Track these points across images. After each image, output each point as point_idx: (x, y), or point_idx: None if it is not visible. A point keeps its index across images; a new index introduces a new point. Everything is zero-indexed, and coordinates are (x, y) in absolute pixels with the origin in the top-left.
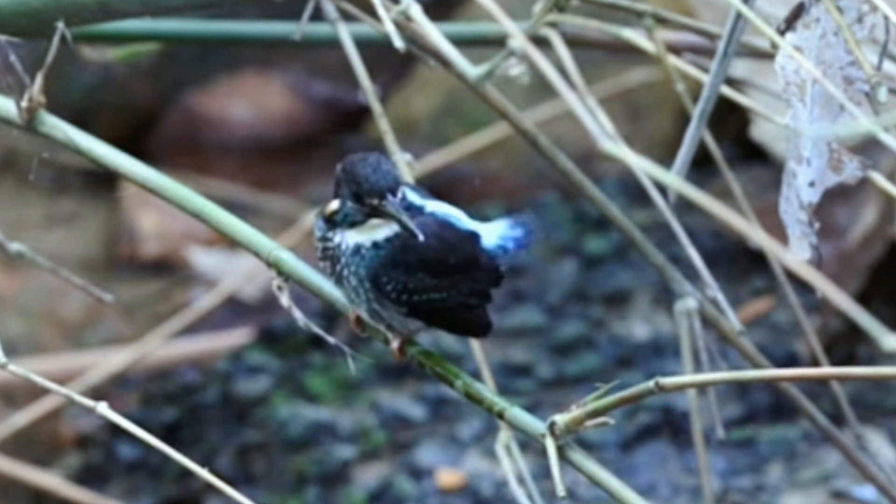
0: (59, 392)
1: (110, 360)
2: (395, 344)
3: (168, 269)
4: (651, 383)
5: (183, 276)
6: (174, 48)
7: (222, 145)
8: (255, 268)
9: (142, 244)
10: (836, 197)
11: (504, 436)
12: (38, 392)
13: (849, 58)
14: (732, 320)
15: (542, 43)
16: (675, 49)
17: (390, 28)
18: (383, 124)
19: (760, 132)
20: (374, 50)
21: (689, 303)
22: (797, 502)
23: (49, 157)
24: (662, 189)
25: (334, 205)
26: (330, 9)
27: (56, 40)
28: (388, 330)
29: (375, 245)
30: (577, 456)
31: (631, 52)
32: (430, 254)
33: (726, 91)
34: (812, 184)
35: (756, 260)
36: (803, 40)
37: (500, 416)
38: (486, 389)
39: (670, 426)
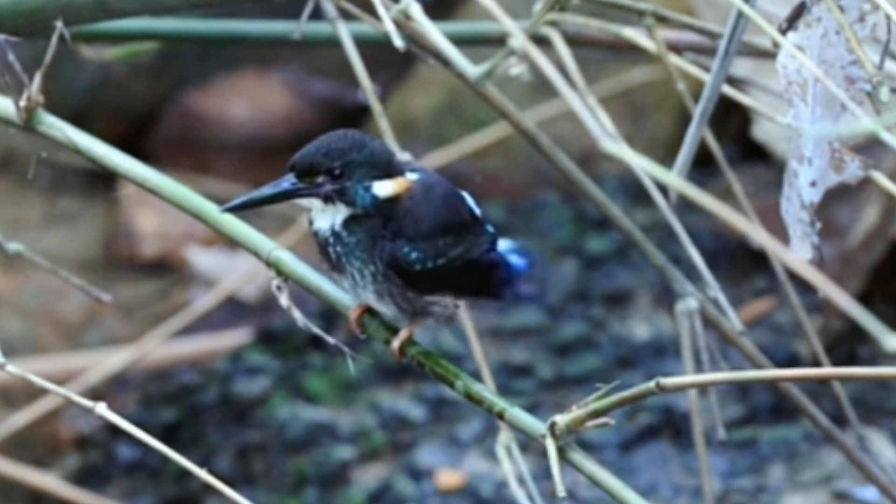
0: (57, 392)
1: (109, 361)
2: (395, 344)
3: (167, 269)
4: (652, 384)
5: (182, 276)
6: (173, 47)
7: (221, 145)
8: (255, 268)
9: (141, 244)
10: (838, 197)
11: (504, 436)
12: (36, 392)
13: (850, 57)
14: (733, 320)
15: (542, 42)
16: (677, 48)
17: (390, 27)
18: (383, 123)
19: (762, 132)
20: (374, 49)
21: (690, 303)
22: (798, 503)
23: (48, 157)
24: (663, 189)
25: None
26: (329, 8)
27: (55, 39)
28: (398, 310)
29: (349, 231)
30: (578, 456)
31: (632, 52)
32: (433, 215)
33: (727, 90)
34: (813, 183)
35: (757, 260)
36: (805, 39)
37: (501, 416)
38: (486, 390)
39: (671, 427)
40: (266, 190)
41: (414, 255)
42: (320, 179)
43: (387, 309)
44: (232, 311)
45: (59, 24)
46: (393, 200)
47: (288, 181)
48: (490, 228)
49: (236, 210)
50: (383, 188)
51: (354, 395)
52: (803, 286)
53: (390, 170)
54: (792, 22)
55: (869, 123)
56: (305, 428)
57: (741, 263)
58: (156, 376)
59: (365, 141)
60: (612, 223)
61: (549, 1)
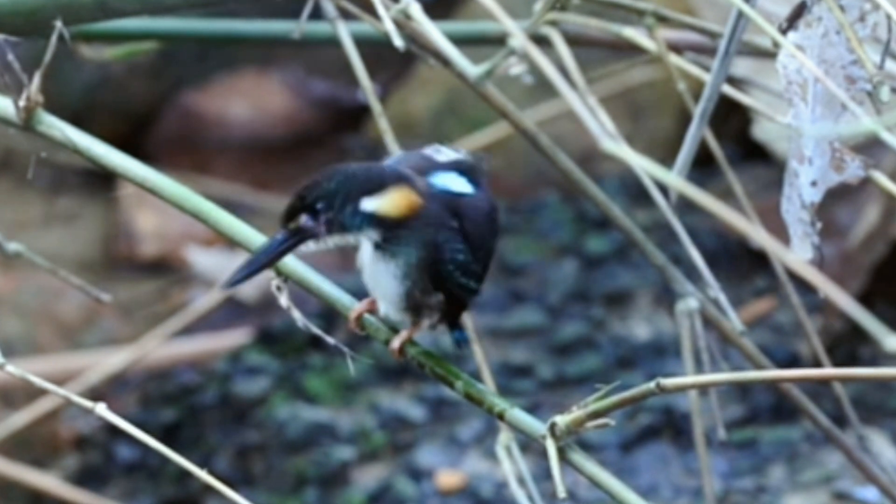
0: (57, 393)
1: (108, 361)
2: (395, 344)
3: (166, 269)
4: (652, 384)
5: (181, 276)
6: (172, 47)
7: (221, 144)
8: None
9: (140, 244)
10: (838, 197)
11: (504, 437)
12: (36, 393)
13: (851, 56)
14: (734, 321)
15: (542, 42)
16: (677, 48)
17: (390, 27)
18: (383, 123)
19: (762, 131)
20: (374, 49)
21: (690, 303)
22: (799, 503)
23: (47, 157)
24: (664, 189)
25: None
26: (329, 7)
27: (54, 39)
28: (403, 303)
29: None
30: (578, 457)
31: (632, 51)
32: (487, 232)
33: (728, 90)
34: (814, 183)
35: (758, 260)
36: (805, 39)
37: (501, 416)
38: (487, 390)
39: (671, 427)
40: (262, 254)
41: (461, 258)
42: (303, 220)
43: (390, 299)
44: (232, 311)
45: (58, 24)
46: (400, 211)
47: (279, 234)
48: None
49: (241, 281)
50: (371, 203)
51: (354, 395)
52: (804, 286)
53: (381, 182)
54: (792, 22)
55: (869, 123)
56: (305, 428)
57: (741, 263)
58: (156, 376)
59: (337, 169)
60: (612, 223)
61: (549, 1)
